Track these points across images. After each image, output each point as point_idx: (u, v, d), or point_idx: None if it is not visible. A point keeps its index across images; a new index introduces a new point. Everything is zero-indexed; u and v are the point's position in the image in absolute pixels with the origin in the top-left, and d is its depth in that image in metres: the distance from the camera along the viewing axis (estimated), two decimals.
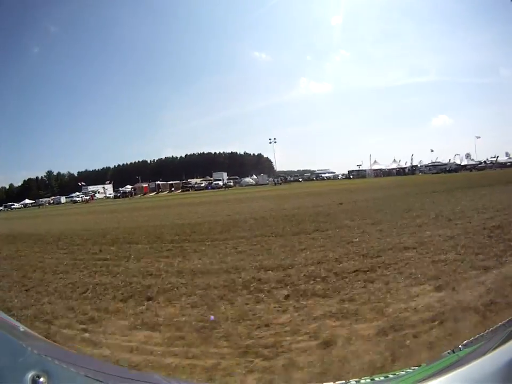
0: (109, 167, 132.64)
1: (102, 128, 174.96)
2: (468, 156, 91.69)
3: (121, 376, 1.29)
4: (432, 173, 77.29)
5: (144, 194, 79.43)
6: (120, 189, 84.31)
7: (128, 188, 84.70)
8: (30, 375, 1.00)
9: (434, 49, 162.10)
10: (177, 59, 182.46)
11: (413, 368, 1.39)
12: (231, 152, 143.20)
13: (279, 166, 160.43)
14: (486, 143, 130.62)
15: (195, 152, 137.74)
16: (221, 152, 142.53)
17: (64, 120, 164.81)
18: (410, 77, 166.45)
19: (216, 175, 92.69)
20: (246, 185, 78.74)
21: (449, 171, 76.93)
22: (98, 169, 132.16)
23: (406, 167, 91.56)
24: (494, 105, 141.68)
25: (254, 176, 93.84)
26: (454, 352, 1.33)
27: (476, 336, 1.41)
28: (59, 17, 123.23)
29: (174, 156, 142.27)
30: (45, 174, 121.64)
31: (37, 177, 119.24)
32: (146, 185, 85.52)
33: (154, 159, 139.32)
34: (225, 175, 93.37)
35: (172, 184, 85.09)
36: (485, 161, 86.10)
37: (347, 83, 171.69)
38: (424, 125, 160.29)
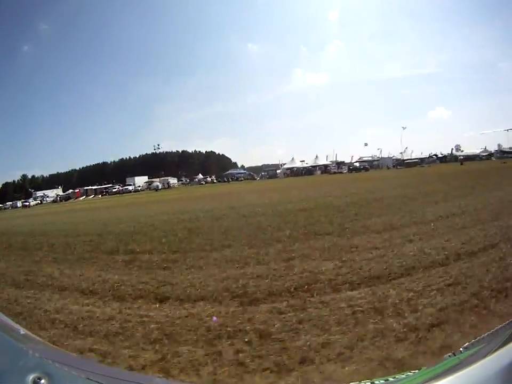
0: (75, 169, 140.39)
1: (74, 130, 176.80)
2: (457, 147, 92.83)
3: (122, 379, 1.27)
4: (336, 172, 77.40)
5: (76, 198, 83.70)
6: (59, 194, 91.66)
7: (70, 192, 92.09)
8: (31, 377, 0.99)
9: (432, 42, 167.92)
10: (171, 54, 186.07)
11: (413, 371, 1.40)
12: (182, 150, 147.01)
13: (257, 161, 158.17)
14: (484, 135, 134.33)
15: (148, 152, 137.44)
16: (172, 151, 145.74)
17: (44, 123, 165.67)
18: (408, 69, 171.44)
19: (129, 180, 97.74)
20: (153, 189, 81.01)
21: (359, 169, 77.54)
22: (66, 171, 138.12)
23: (317, 165, 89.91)
24: (492, 97, 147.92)
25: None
26: (454, 355, 1.34)
27: (477, 339, 1.42)
28: (51, 16, 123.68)
29: (131, 157, 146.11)
30: (20, 178, 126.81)
31: (13, 181, 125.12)
32: (78, 190, 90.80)
33: (114, 160, 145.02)
34: (139, 179, 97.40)
35: (95, 189, 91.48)
36: (436, 155, 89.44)
37: (343, 75, 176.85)
38: (422, 117, 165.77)
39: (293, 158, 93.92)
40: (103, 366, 2.56)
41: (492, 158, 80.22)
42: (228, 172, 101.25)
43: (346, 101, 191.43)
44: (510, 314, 4.05)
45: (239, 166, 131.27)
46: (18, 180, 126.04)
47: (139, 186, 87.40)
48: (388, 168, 78.14)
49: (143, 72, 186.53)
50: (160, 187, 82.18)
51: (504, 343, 1.14)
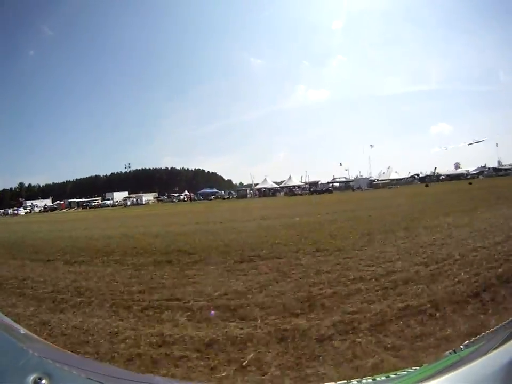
0: (70, 180, 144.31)
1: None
2: (456, 165, 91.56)
3: (122, 378, 1.27)
4: (297, 194, 75.85)
5: (61, 209, 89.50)
6: (48, 204, 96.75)
7: (56, 203, 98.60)
8: (31, 377, 0.99)
9: (436, 55, 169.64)
10: (174, 68, 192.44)
11: (414, 368, 1.40)
12: (171, 167, 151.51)
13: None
14: (486, 150, 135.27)
15: (139, 168, 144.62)
16: (160, 167, 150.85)
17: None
18: (411, 85, 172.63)
19: (108, 195, 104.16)
20: (122, 205, 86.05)
21: (321, 191, 75.27)
22: (61, 182, 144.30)
23: (286, 186, 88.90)
24: (495, 112, 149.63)
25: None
26: (455, 352, 1.34)
27: (477, 337, 1.42)
28: (55, 22, 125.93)
29: (122, 171, 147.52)
30: (17, 185, 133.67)
31: (10, 188, 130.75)
32: (63, 202, 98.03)
33: (106, 174, 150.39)
34: (117, 194, 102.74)
35: (78, 202, 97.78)
36: (417, 175, 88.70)
37: (346, 90, 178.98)
38: (423, 133, 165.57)
39: (265, 179, 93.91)
40: (103, 365, 2.53)
41: (480, 176, 78.74)
42: (201, 191, 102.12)
43: (347, 116, 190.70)
44: None
45: (238, 183, 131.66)
46: (15, 188, 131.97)
47: (117, 201, 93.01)
48: (353, 190, 77.04)
49: (145, 86, 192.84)
50: (128, 204, 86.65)
51: (504, 341, 1.15)
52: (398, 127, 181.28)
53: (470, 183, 52.46)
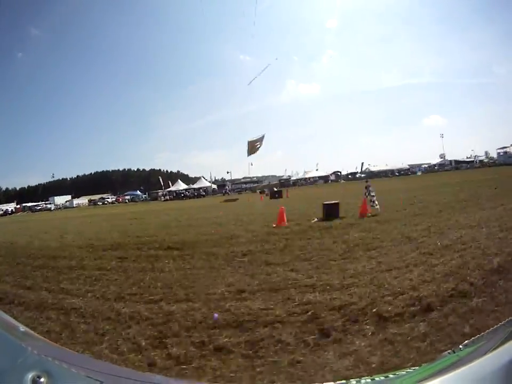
0: (41, 183, 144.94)
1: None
2: (442, 156, 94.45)
3: (122, 377, 1.26)
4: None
5: (17, 213, 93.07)
6: (9, 208, 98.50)
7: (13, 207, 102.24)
8: (30, 375, 0.98)
9: (428, 50, 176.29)
10: (163, 66, 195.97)
11: (413, 368, 1.41)
12: (128, 169, 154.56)
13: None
14: (480, 142, 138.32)
15: (98, 170, 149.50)
16: (116, 169, 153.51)
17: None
18: (404, 79, 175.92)
19: (51, 199, 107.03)
20: (51, 210, 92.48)
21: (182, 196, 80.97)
22: (35, 185, 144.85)
23: (187, 189, 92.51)
24: (487, 104, 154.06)
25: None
26: (454, 352, 1.36)
27: (476, 336, 1.44)
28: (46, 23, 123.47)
29: (86, 174, 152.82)
30: None
31: None
32: (19, 207, 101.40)
33: (72, 176, 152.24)
34: (59, 198, 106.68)
35: (29, 206, 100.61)
36: (339, 172, 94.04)
37: (340, 85, 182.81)
38: (416, 125, 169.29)
39: (178, 181, 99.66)
40: (102, 363, 2.47)
41: (418, 173, 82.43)
42: (128, 192, 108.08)
43: (338, 111, 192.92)
44: None
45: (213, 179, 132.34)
46: None
47: (57, 205, 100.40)
48: (227, 192, 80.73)
49: (135, 84, 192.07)
50: (52, 208, 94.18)
51: (504, 341, 1.16)
52: (390, 119, 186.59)
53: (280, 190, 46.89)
